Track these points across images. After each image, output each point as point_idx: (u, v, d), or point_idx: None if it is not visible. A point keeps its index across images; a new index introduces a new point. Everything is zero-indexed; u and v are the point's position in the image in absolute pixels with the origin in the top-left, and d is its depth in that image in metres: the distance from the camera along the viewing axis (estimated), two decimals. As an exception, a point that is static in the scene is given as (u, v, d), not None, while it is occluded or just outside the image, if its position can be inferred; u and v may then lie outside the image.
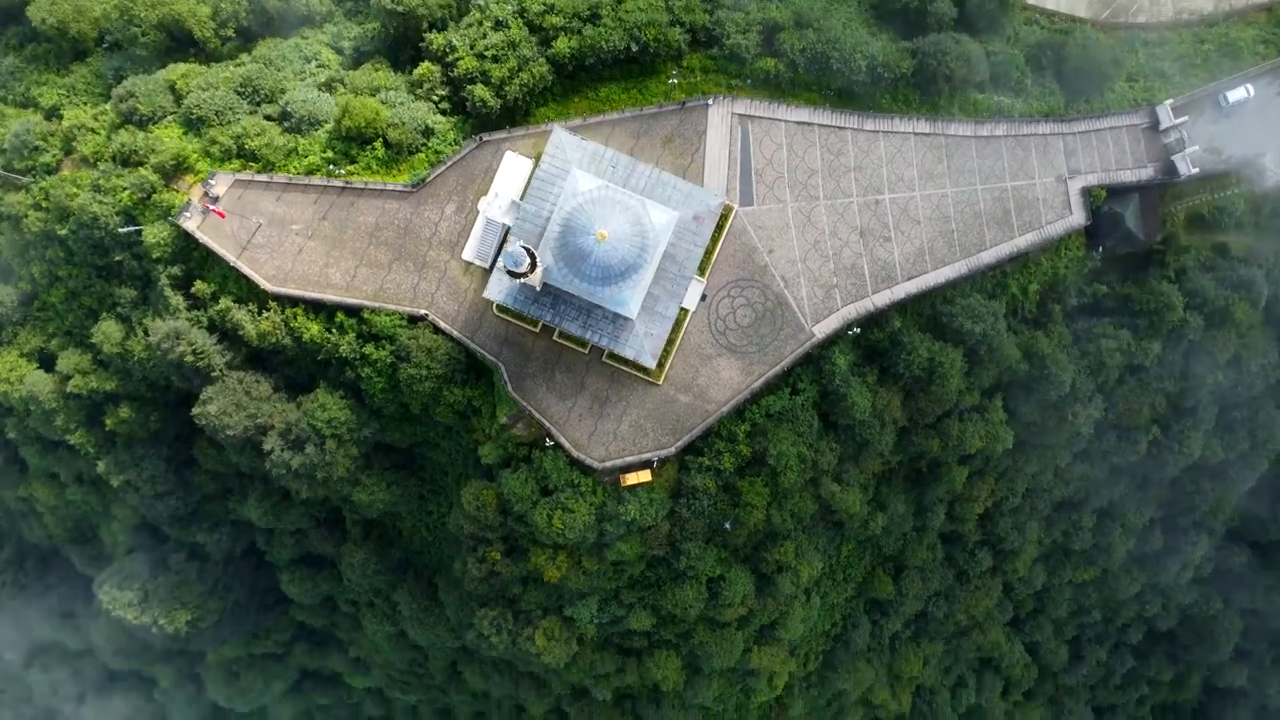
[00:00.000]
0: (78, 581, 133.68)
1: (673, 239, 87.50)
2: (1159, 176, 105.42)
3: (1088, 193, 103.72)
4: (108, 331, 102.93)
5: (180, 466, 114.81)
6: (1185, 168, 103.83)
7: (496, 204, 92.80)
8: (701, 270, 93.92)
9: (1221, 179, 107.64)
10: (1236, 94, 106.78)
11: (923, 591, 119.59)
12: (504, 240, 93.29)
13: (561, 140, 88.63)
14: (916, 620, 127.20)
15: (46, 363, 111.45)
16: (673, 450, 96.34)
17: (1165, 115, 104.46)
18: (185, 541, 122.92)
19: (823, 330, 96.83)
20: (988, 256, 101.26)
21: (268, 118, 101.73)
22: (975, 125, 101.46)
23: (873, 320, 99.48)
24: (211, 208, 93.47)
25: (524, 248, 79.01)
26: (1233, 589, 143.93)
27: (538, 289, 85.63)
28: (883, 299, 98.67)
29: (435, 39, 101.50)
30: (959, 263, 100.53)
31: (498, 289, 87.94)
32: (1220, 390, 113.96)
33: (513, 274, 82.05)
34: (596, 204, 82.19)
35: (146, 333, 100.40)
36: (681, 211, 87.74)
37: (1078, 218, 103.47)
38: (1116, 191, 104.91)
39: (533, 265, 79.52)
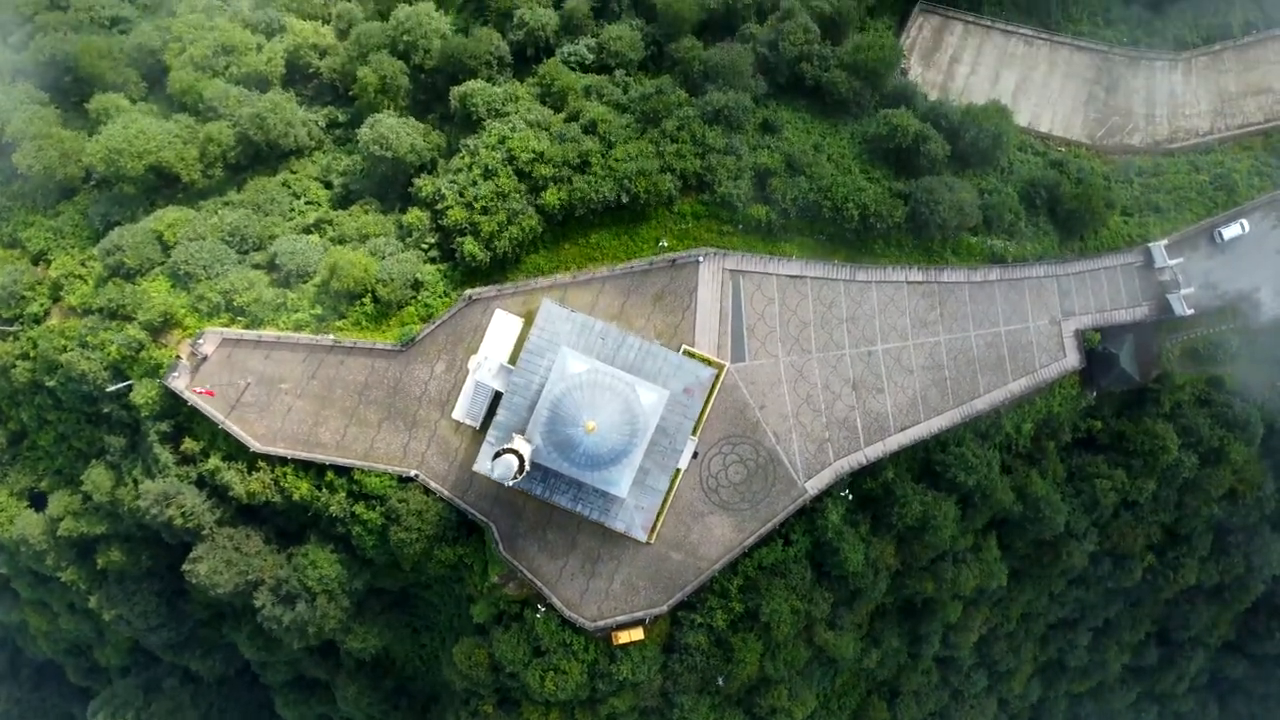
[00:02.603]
0: (74, 695, 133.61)
1: (664, 413, 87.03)
2: (1154, 315, 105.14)
3: (1082, 335, 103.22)
4: (98, 480, 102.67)
5: (173, 596, 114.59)
6: (1180, 308, 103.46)
7: (486, 366, 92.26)
8: (693, 429, 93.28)
9: (1217, 313, 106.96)
10: (1231, 230, 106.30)
11: (918, 715, 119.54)
12: (494, 403, 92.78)
13: (551, 313, 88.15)
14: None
15: (37, 501, 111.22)
16: (665, 608, 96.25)
17: (1160, 255, 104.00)
18: (179, 664, 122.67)
19: (815, 486, 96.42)
20: (981, 404, 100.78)
21: (256, 266, 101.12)
22: (969, 272, 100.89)
23: (866, 470, 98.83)
24: (199, 391, 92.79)
25: (513, 452, 78.50)
26: (1229, 696, 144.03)
27: (528, 469, 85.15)
28: (875, 451, 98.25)
29: (424, 185, 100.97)
30: (952, 411, 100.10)
31: (488, 465, 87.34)
32: (1216, 519, 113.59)
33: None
34: (585, 390, 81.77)
35: (136, 483, 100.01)
36: (672, 386, 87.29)
37: (1072, 360, 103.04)
38: (1111, 331, 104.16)
39: (521, 469, 78.96)
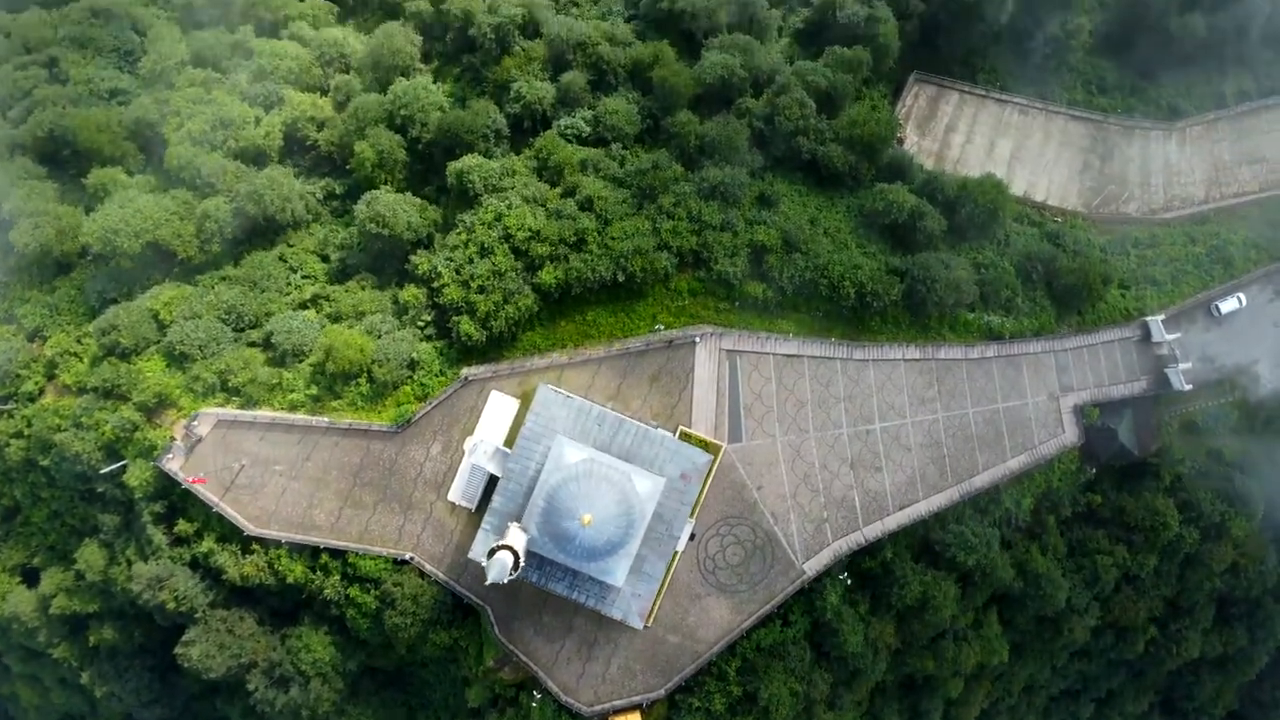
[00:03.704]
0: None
1: (661, 499, 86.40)
2: (1152, 389, 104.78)
3: (1080, 410, 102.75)
4: (90, 560, 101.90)
5: (166, 671, 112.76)
6: (1179, 383, 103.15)
7: (482, 449, 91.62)
8: (691, 512, 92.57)
9: (1215, 386, 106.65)
10: (1229, 304, 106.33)
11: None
12: (490, 485, 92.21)
13: (547, 398, 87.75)
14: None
15: (30, 577, 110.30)
16: (662, 693, 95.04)
17: (1157, 330, 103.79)
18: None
19: (814, 567, 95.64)
20: (980, 481, 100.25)
21: (252, 344, 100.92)
22: (966, 348, 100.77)
23: (864, 550, 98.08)
24: (193, 479, 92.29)
25: (507, 548, 77.80)
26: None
27: (523, 562, 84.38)
28: (874, 531, 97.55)
29: (421, 262, 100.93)
30: (951, 489, 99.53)
31: (483, 560, 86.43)
32: (1218, 592, 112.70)
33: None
34: (581, 481, 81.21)
35: (129, 563, 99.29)
36: (669, 472, 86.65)
37: (1070, 436, 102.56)
38: (1110, 406, 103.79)
39: (516, 566, 78.27)
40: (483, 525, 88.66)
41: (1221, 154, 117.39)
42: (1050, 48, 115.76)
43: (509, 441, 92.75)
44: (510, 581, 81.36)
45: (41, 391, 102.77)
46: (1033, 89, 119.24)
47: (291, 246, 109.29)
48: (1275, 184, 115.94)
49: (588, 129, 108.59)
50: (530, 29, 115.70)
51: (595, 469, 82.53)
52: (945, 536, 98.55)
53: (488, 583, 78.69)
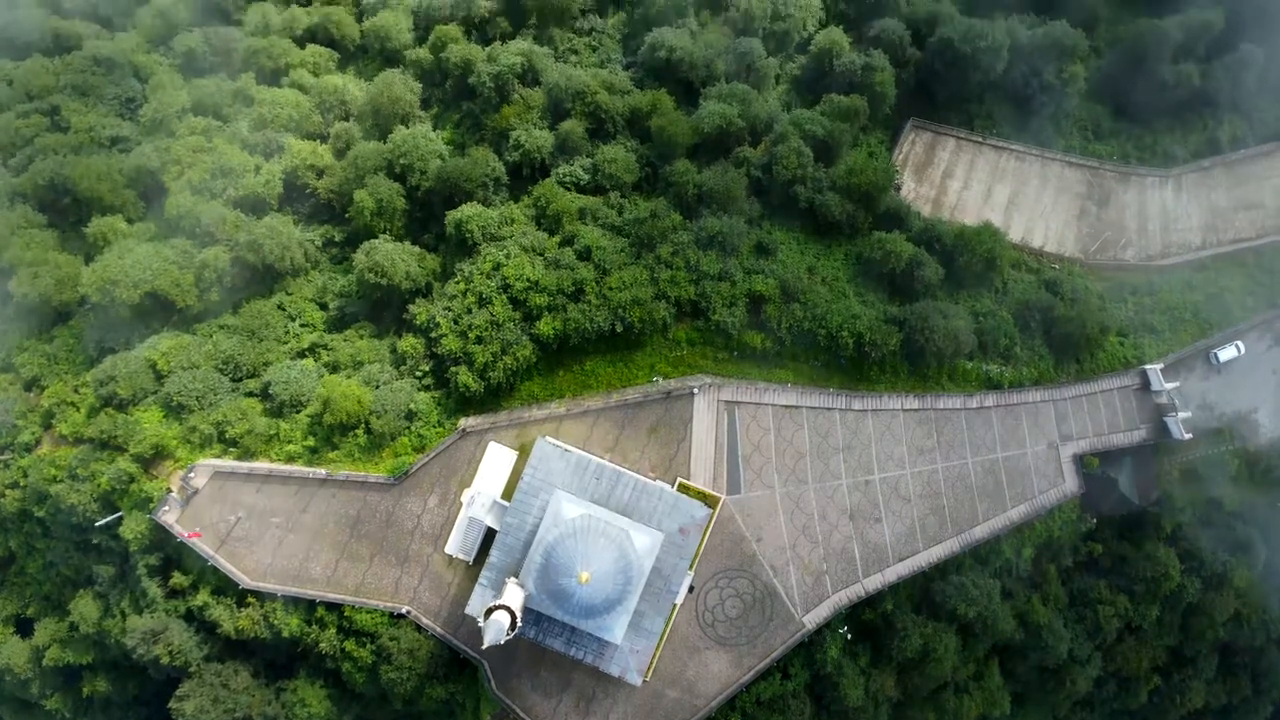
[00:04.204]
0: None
1: (659, 554, 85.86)
2: (1152, 438, 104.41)
3: (1080, 459, 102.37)
4: (85, 611, 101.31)
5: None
6: (1178, 432, 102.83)
7: (480, 501, 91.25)
8: (689, 565, 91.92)
9: (1215, 435, 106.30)
10: (1227, 353, 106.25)
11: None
12: (488, 537, 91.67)
13: (545, 452, 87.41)
14: None
15: (23, 627, 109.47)
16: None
17: (1156, 379, 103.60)
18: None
19: (813, 620, 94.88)
20: (980, 531, 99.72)
21: (250, 394, 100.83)
22: (965, 398, 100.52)
23: (865, 601, 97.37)
24: (188, 534, 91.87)
25: (504, 608, 77.16)
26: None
27: (520, 621, 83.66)
28: (874, 583, 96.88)
29: (419, 313, 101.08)
30: (951, 540, 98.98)
31: (480, 620, 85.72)
32: (1221, 641, 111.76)
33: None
34: (579, 537, 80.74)
35: (124, 615, 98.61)
36: (667, 526, 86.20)
37: (1070, 485, 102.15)
38: (1110, 454, 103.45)
39: (514, 626, 77.60)
40: (480, 580, 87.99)
41: (1218, 200, 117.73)
42: (1046, 95, 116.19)
43: (507, 494, 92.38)
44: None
45: (38, 441, 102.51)
46: (1029, 135, 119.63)
47: (290, 294, 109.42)
48: (1272, 230, 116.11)
49: (586, 177, 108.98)
50: (529, 77, 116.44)
51: (593, 525, 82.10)
52: (946, 588, 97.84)
53: (484, 646, 77.93)
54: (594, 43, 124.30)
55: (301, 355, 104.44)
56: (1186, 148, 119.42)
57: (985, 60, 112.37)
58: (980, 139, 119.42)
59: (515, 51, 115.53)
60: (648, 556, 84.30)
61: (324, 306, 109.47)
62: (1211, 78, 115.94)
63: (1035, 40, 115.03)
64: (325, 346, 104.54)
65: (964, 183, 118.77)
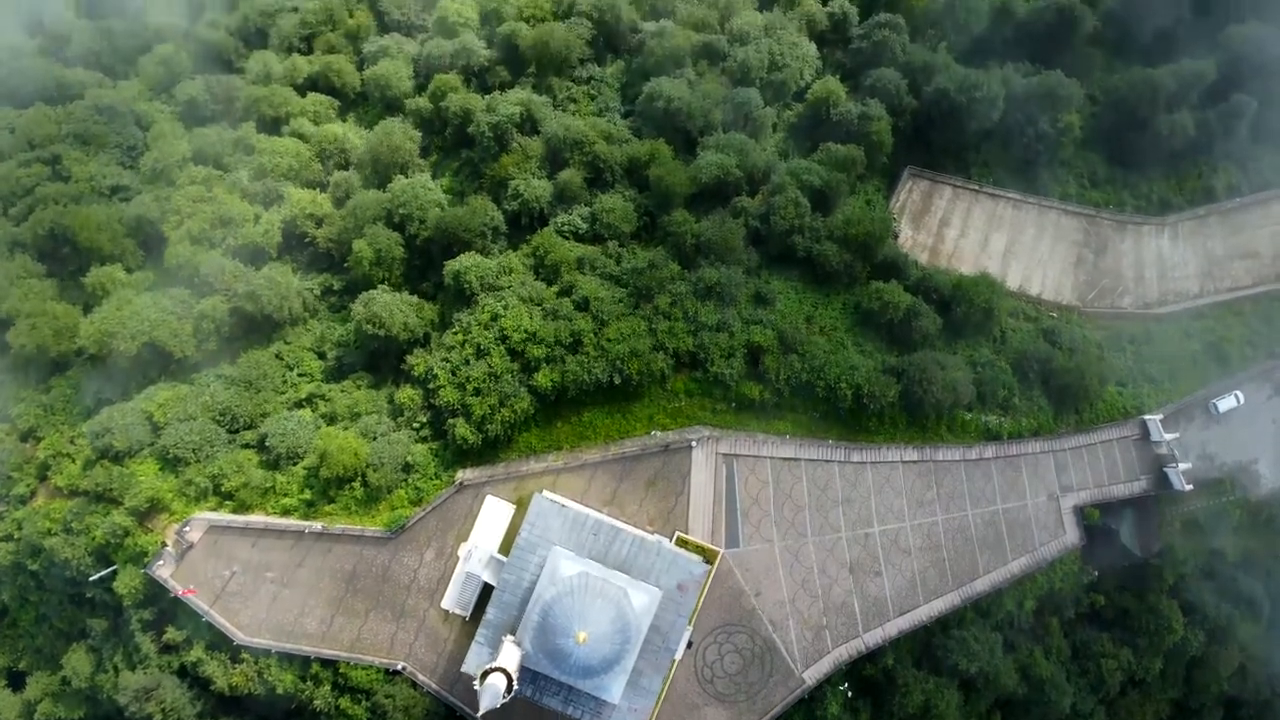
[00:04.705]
0: None
1: (658, 611, 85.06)
2: (1152, 489, 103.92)
3: (1080, 511, 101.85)
4: (77, 666, 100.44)
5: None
6: (1179, 483, 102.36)
7: (477, 556, 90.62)
8: (687, 620, 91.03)
9: (1215, 485, 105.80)
10: (1227, 403, 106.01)
11: None
12: (485, 592, 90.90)
13: (543, 508, 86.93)
14: None
15: (15, 680, 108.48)
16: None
17: (1156, 430, 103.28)
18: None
19: (813, 675, 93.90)
20: (981, 584, 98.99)
21: (246, 445, 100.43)
22: (964, 449, 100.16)
23: (865, 656, 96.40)
24: (183, 591, 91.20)
25: (500, 670, 76.31)
26: None
27: (516, 683, 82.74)
28: (875, 638, 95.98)
29: (417, 364, 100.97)
30: (952, 593, 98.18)
31: (476, 664, 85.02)
32: (1227, 695, 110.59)
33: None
34: (576, 596, 80.00)
35: (116, 670, 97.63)
36: (665, 583, 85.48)
37: (1071, 537, 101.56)
38: (1111, 506, 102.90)
39: (510, 689, 76.71)
40: (476, 637, 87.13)
41: (1214, 248, 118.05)
42: (1042, 143, 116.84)
43: (504, 548, 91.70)
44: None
45: (33, 493, 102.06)
46: (1025, 183, 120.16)
47: (288, 344, 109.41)
48: (1269, 278, 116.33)
49: (585, 226, 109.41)
50: (528, 126, 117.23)
51: (590, 583, 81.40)
52: (947, 642, 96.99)
53: (480, 713, 76.92)
54: (593, 91, 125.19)
55: (299, 405, 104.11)
56: (1182, 195, 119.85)
57: (981, 110, 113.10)
58: (977, 187, 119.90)
59: (514, 101, 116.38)
60: (646, 615, 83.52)
61: (322, 356, 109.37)
62: (1205, 127, 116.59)
63: (1030, 89, 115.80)
64: (323, 397, 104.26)
65: (961, 230, 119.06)
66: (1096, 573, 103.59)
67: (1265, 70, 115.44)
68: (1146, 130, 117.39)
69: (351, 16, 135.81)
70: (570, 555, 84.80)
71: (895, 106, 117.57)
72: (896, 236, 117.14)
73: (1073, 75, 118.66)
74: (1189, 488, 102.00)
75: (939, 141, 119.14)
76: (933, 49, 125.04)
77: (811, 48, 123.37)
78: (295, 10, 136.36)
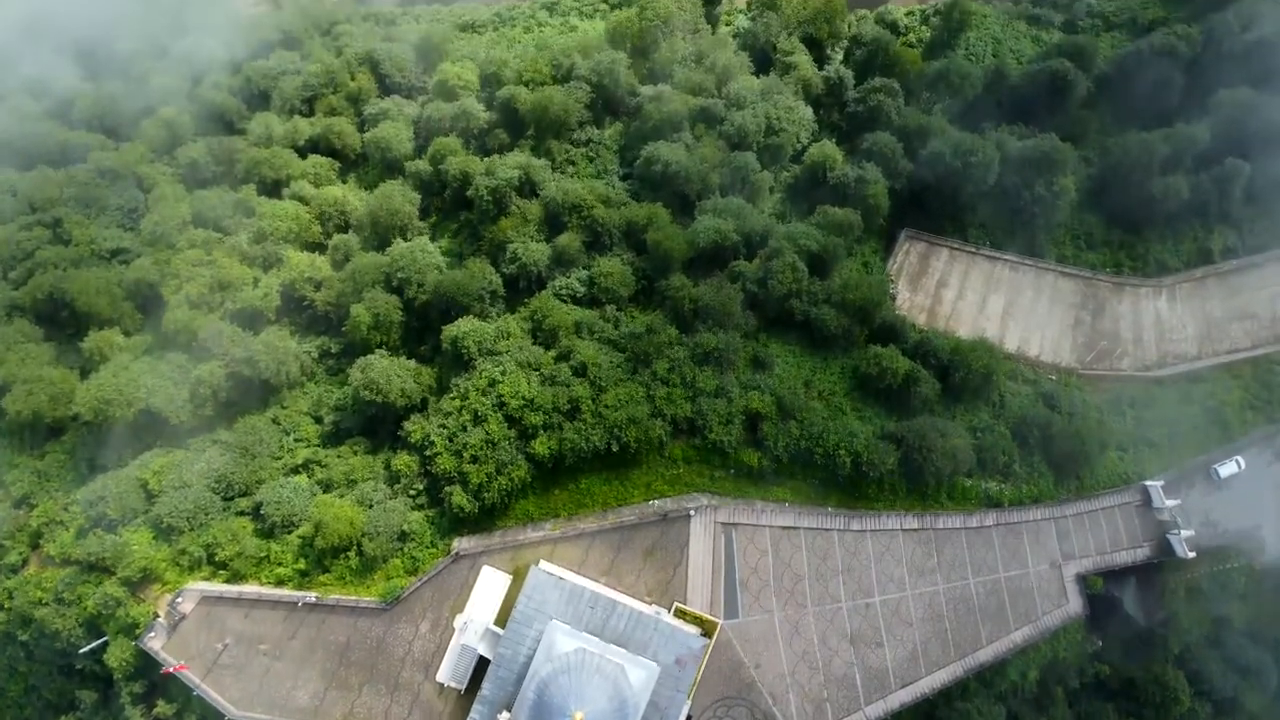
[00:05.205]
0: None
1: (656, 687, 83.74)
2: (1155, 556, 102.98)
3: (1083, 579, 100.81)
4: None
5: None
6: (1181, 550, 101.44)
7: (472, 628, 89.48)
8: (686, 695, 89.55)
9: (1219, 552, 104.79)
10: (1228, 468, 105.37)
11: None
12: (480, 665, 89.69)
13: (539, 581, 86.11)
14: None
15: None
16: None
17: (1157, 496, 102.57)
18: None
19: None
20: (984, 654, 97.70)
21: (241, 513, 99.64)
22: (965, 517, 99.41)
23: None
24: (174, 668, 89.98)
25: (495, 755, 75.07)
26: None
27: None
28: (876, 710, 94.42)
29: (414, 431, 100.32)
30: (955, 664, 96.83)
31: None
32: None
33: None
34: (573, 673, 79.00)
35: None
36: (663, 657, 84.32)
37: (1074, 606, 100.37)
38: (1113, 573, 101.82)
39: (505, 773, 75.44)
40: (471, 714, 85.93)
41: (1212, 310, 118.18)
42: (1038, 206, 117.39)
43: (500, 620, 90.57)
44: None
45: (25, 562, 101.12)
46: (1022, 244, 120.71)
47: (285, 408, 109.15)
48: (1267, 341, 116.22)
49: (583, 289, 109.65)
50: (527, 188, 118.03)
51: (587, 660, 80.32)
52: (950, 714, 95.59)
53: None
54: (591, 154, 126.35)
55: (295, 471, 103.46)
56: (1179, 257, 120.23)
57: (976, 174, 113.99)
58: (974, 249, 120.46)
59: (513, 164, 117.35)
60: (643, 692, 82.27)
61: (319, 420, 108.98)
62: (1200, 190, 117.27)
63: (1025, 153, 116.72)
64: (319, 462, 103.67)
65: (959, 292, 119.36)
66: (1100, 642, 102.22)
67: (1257, 135, 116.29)
68: (1142, 193, 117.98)
69: (353, 79, 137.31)
70: (567, 630, 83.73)
71: (891, 169, 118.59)
72: (894, 298, 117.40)
73: (1067, 138, 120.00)
74: (1192, 555, 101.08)
75: (935, 204, 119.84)
76: (928, 112, 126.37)
77: (808, 111, 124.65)
78: (298, 73, 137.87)
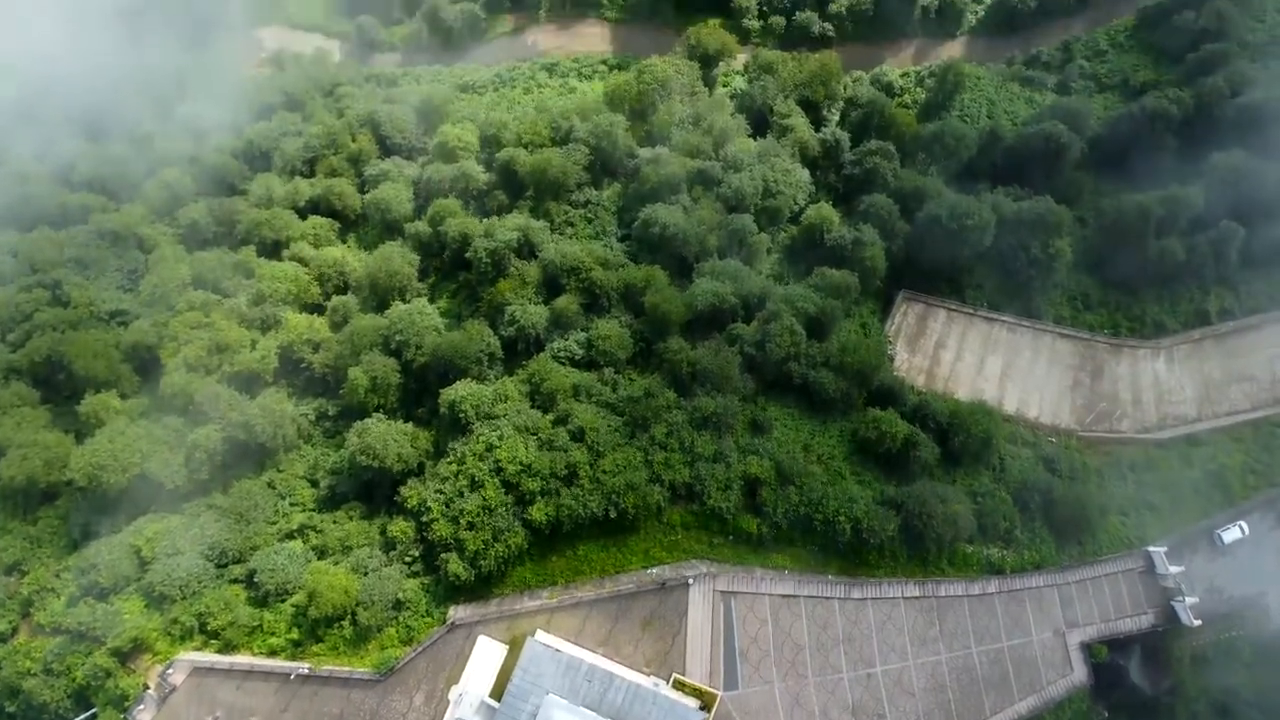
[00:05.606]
0: None
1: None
2: (1160, 623, 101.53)
3: (1088, 647, 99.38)
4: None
5: None
6: (1186, 618, 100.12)
7: (468, 701, 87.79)
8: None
9: (1224, 619, 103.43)
10: (1231, 533, 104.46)
11: None
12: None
13: (536, 653, 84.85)
14: None
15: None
16: None
17: (1161, 562, 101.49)
18: None
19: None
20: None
21: (234, 580, 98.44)
22: (967, 584, 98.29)
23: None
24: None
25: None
26: None
27: (506, 841, 79.59)
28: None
29: (410, 496, 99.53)
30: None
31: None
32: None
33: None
34: (570, 751, 77.14)
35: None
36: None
37: (1079, 675, 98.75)
38: (1118, 641, 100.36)
39: None
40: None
41: (1211, 372, 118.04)
42: (1034, 268, 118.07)
43: (496, 692, 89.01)
44: None
45: (15, 630, 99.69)
46: (1019, 306, 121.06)
47: (281, 471, 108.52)
48: (1267, 403, 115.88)
49: (581, 351, 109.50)
50: (525, 250, 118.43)
51: (584, 736, 78.79)
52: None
53: None
54: (589, 215, 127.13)
55: (290, 537, 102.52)
56: (1176, 319, 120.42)
57: (972, 236, 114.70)
58: (971, 310, 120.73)
59: (512, 227, 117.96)
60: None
61: (315, 484, 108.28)
62: (1196, 252, 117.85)
63: (1020, 214, 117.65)
64: (314, 528, 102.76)
65: (957, 354, 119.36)
66: (1107, 712, 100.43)
67: (1251, 197, 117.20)
68: (1138, 255, 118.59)
69: (354, 141, 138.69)
70: (564, 705, 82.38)
71: (888, 231, 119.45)
72: (892, 359, 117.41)
73: (1062, 200, 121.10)
74: (1197, 623, 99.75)
75: (932, 265, 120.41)
76: (924, 173, 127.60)
77: (804, 173, 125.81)
78: (299, 134, 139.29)
